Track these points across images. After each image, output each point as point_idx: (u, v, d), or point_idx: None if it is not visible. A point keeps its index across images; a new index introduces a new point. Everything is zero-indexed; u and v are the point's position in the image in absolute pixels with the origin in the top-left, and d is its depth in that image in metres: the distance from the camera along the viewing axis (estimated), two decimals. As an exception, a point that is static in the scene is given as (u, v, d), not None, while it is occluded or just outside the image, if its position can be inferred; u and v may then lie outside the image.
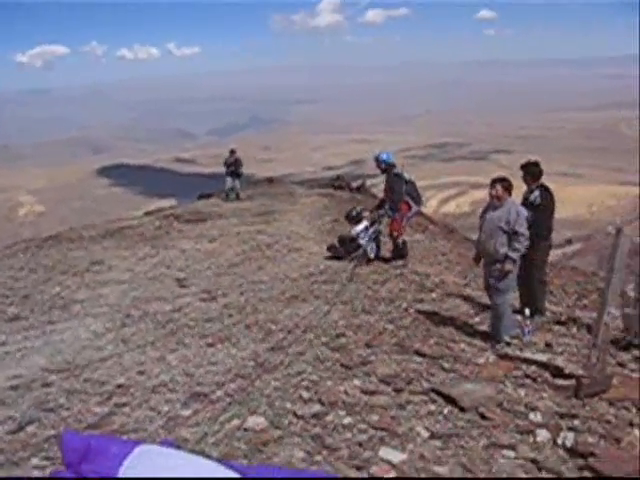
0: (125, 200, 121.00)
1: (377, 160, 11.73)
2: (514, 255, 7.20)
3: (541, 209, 7.97)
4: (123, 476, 2.46)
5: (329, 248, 12.48)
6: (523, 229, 7.14)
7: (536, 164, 8.36)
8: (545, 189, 8.18)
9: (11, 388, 6.64)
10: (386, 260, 11.98)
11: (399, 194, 11.42)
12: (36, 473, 4.58)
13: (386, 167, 11.62)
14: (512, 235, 7.17)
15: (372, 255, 11.81)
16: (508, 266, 7.24)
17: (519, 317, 7.63)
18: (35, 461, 4.83)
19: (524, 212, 7.26)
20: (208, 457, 2.72)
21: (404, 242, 11.89)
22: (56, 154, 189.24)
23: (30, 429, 5.56)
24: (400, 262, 11.71)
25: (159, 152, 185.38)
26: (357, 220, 12.14)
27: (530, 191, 8.20)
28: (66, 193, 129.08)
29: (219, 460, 2.63)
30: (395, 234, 11.70)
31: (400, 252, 11.83)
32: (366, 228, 11.89)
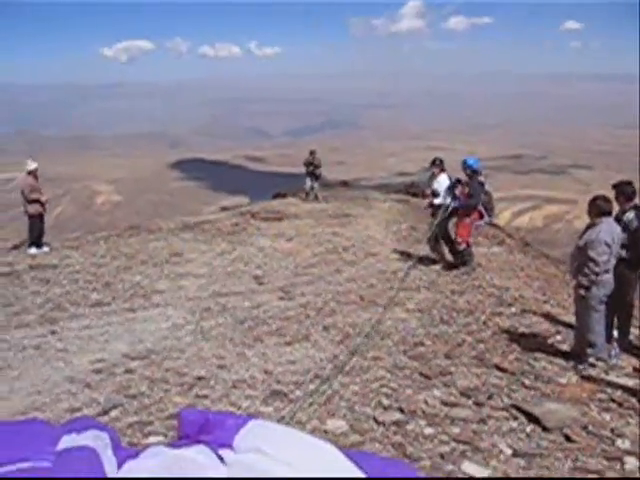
0: (196, 194, 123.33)
1: (464, 165, 11.59)
2: (583, 281, 6.80)
3: (638, 232, 7.61)
4: (237, 445, 2.63)
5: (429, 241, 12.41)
6: (594, 254, 6.64)
7: (629, 183, 8.00)
8: None
9: (95, 372, 6.89)
10: (450, 267, 11.82)
11: (477, 200, 11.27)
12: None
13: (471, 173, 11.47)
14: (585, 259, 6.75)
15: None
16: (579, 291, 6.91)
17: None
18: (120, 446, 4.95)
19: (605, 237, 6.68)
20: (318, 438, 2.84)
21: (469, 249, 11.71)
22: (134, 146, 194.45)
23: (114, 413, 5.75)
24: (462, 269, 11.54)
25: (235, 149, 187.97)
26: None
27: (623, 212, 7.83)
28: (142, 185, 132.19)
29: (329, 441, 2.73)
30: (460, 240, 11.53)
31: (463, 259, 11.65)
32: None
